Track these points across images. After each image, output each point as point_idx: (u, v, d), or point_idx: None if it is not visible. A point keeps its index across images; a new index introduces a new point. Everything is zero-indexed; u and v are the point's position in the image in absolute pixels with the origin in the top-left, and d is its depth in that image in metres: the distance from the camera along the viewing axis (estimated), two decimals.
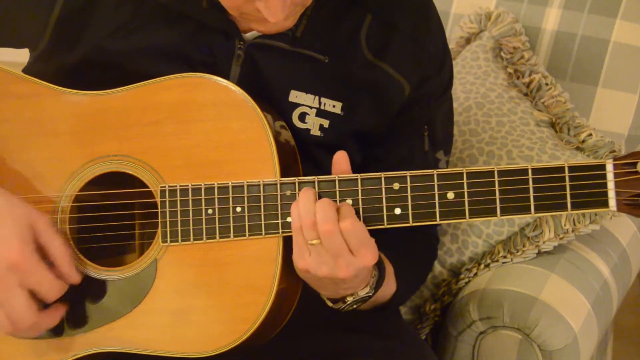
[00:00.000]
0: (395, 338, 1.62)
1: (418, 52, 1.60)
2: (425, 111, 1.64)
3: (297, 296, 1.52)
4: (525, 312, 1.77)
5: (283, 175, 1.43)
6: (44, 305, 1.43)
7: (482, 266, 1.92)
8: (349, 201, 1.40)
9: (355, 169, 1.60)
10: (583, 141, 2.01)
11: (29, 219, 1.41)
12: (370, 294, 1.50)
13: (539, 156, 1.93)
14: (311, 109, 1.56)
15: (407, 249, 1.65)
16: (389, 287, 1.59)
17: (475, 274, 1.92)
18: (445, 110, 1.71)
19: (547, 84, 2.08)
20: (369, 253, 1.39)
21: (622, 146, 2.05)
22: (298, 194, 1.41)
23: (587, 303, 1.85)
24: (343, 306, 1.50)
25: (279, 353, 1.54)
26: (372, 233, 1.41)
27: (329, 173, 1.47)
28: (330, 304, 1.52)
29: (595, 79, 2.12)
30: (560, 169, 1.36)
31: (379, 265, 1.49)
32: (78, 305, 1.48)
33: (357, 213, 1.40)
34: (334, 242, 1.37)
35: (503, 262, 1.92)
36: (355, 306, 1.51)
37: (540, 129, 2.00)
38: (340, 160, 1.44)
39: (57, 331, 1.48)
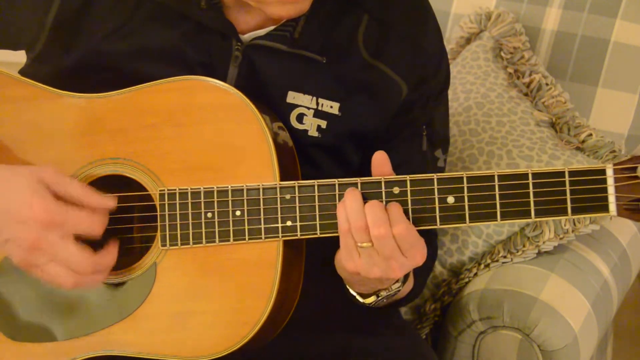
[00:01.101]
0: (395, 338, 1.62)
1: (415, 53, 1.60)
2: (424, 112, 1.64)
3: (296, 298, 1.51)
4: (525, 312, 1.77)
5: (282, 177, 1.43)
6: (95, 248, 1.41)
7: (482, 266, 1.92)
8: None
9: (354, 170, 1.60)
10: (583, 141, 2.01)
11: (35, 175, 1.38)
12: (400, 288, 1.52)
13: (539, 156, 1.93)
14: (309, 110, 1.56)
15: None
16: (409, 283, 1.60)
17: (475, 274, 1.92)
18: (443, 110, 1.71)
19: (547, 84, 2.08)
20: (418, 253, 1.39)
21: (622, 146, 2.05)
22: (298, 197, 1.41)
23: (587, 303, 1.85)
24: (376, 300, 1.52)
25: (278, 353, 1.55)
26: None
27: (328, 174, 1.47)
28: (360, 299, 1.53)
29: (595, 79, 2.12)
30: (561, 174, 1.36)
31: None
32: (77, 308, 1.47)
33: (406, 213, 1.40)
34: (387, 245, 1.37)
35: (503, 262, 1.92)
36: (385, 300, 1.52)
37: (540, 129, 2.00)
38: (383, 161, 1.42)
39: (56, 334, 1.48)
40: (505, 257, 1.91)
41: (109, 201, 1.42)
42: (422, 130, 1.64)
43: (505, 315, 1.79)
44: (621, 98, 2.11)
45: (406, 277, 1.53)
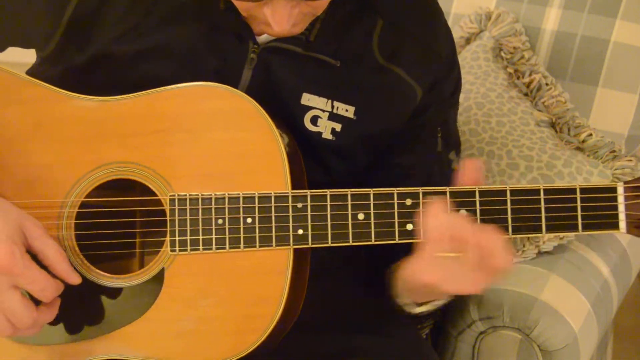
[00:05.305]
0: (396, 337, 1.63)
1: (429, 57, 1.60)
2: (439, 113, 1.65)
3: (301, 303, 1.51)
4: (525, 312, 1.78)
5: (293, 185, 1.43)
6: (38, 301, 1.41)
7: None
8: (361, 215, 1.41)
9: (363, 177, 1.60)
10: (583, 141, 2.02)
11: (20, 222, 1.39)
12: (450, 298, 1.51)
13: (539, 156, 1.94)
14: (324, 113, 1.55)
15: None
16: None
17: None
18: (455, 112, 1.72)
19: (547, 84, 2.08)
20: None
21: (622, 146, 2.05)
22: (310, 206, 1.41)
23: (587, 303, 1.86)
24: (430, 308, 1.52)
25: (279, 353, 1.54)
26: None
27: (339, 177, 1.47)
28: (416, 309, 1.52)
29: (595, 79, 2.13)
30: (572, 190, 1.36)
31: None
32: (84, 312, 1.47)
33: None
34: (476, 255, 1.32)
35: None
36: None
37: (540, 129, 2.01)
38: (477, 168, 1.39)
39: (61, 338, 1.47)
40: None
41: (74, 277, 1.42)
42: (437, 131, 1.65)
43: (505, 315, 1.79)
44: (621, 98, 2.11)
45: None
